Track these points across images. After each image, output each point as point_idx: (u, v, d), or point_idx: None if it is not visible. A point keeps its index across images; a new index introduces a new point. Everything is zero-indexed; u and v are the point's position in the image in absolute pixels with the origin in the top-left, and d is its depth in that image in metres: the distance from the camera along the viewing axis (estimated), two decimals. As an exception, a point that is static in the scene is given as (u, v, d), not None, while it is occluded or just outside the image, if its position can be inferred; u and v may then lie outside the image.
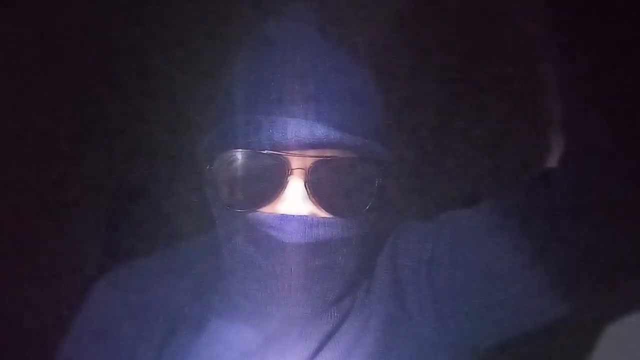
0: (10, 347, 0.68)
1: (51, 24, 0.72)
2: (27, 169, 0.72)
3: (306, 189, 0.56)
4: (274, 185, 0.57)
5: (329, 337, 0.60)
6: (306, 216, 0.56)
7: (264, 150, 0.56)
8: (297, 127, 0.55)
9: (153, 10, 0.74)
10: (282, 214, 0.56)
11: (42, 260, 0.73)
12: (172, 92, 0.73)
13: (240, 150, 0.57)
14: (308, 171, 0.56)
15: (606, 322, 0.68)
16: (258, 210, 0.57)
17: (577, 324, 0.64)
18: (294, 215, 0.56)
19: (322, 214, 0.57)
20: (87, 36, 0.76)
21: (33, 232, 0.73)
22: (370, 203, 0.59)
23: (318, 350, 0.60)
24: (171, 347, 0.62)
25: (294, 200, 0.56)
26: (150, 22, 0.75)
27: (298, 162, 0.56)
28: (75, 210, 0.77)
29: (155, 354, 0.61)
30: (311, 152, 0.56)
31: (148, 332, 0.62)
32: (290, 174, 0.56)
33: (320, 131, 0.55)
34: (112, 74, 0.78)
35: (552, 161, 0.54)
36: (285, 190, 0.56)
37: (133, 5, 0.74)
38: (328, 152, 0.56)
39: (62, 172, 0.75)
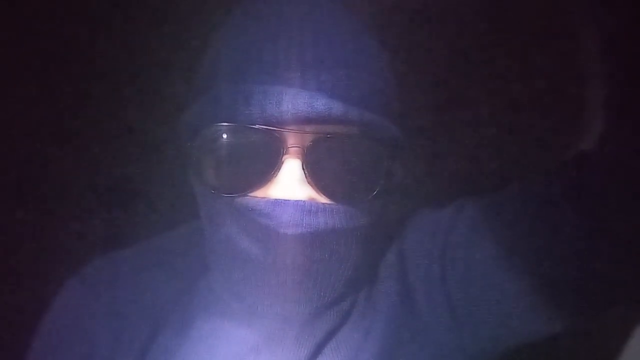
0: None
1: (45, 22, 0.70)
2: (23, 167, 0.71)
3: (303, 170, 0.50)
4: (267, 166, 0.50)
5: (328, 341, 0.54)
6: (303, 201, 0.50)
7: (254, 124, 0.49)
8: (293, 98, 0.48)
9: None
10: (276, 199, 0.50)
11: (37, 258, 0.72)
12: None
13: (227, 124, 0.50)
14: (306, 150, 0.50)
15: (625, 328, 0.64)
16: (248, 194, 0.51)
17: (598, 329, 0.61)
18: (289, 200, 0.50)
19: (322, 199, 0.51)
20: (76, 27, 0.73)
21: (28, 229, 0.72)
22: (377, 188, 0.52)
23: (315, 355, 0.54)
24: (153, 350, 0.56)
25: (290, 183, 0.50)
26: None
27: (295, 139, 0.50)
28: (71, 207, 0.75)
29: (136, 356, 0.56)
30: (310, 128, 0.50)
31: (127, 335, 0.57)
32: (286, 153, 0.50)
33: (320, 103, 0.48)
34: (97, 56, 0.74)
35: (586, 144, 0.49)
36: (280, 171, 0.50)
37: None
38: (329, 128, 0.50)
39: (55, 169, 0.74)
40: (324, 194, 0.51)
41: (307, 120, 0.49)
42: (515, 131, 0.72)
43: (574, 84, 0.67)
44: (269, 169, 0.50)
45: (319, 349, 0.54)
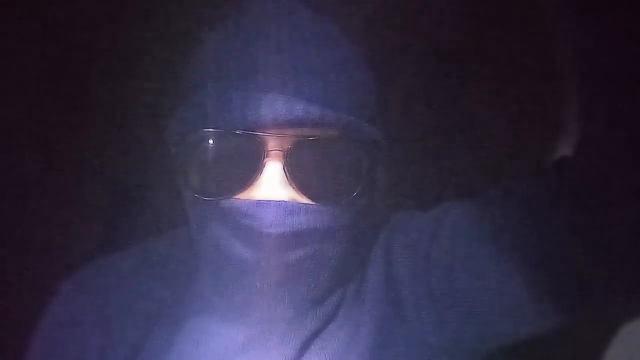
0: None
1: (44, 25, 0.71)
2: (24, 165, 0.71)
3: (285, 172, 0.51)
4: (249, 169, 0.51)
5: (314, 340, 0.55)
6: (285, 202, 0.51)
7: (236, 129, 0.50)
8: (273, 103, 0.49)
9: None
10: (258, 200, 0.51)
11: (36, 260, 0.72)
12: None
13: (209, 130, 0.51)
14: (287, 153, 0.51)
15: (610, 330, 0.64)
16: (231, 197, 0.52)
17: (583, 329, 0.60)
18: (271, 201, 0.50)
19: (303, 200, 0.52)
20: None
21: (28, 231, 0.72)
22: (358, 188, 0.53)
23: (301, 354, 0.54)
24: (144, 351, 0.57)
25: (271, 185, 0.51)
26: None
27: (275, 143, 0.51)
28: (70, 207, 0.76)
29: (126, 358, 0.56)
30: (290, 132, 0.51)
31: (119, 336, 0.58)
32: (267, 156, 0.51)
33: (299, 107, 0.49)
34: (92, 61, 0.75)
35: (567, 150, 0.49)
36: (262, 174, 0.51)
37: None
38: (309, 131, 0.51)
39: (55, 172, 0.74)
40: (305, 195, 0.51)
41: (286, 124, 0.50)
42: (502, 135, 0.72)
43: (556, 89, 0.68)
44: (251, 172, 0.51)
45: (305, 348, 0.54)
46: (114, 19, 0.72)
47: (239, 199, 0.51)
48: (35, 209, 0.73)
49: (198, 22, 0.56)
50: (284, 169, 0.51)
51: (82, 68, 0.74)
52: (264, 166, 0.51)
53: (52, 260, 0.71)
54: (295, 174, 0.51)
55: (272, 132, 0.50)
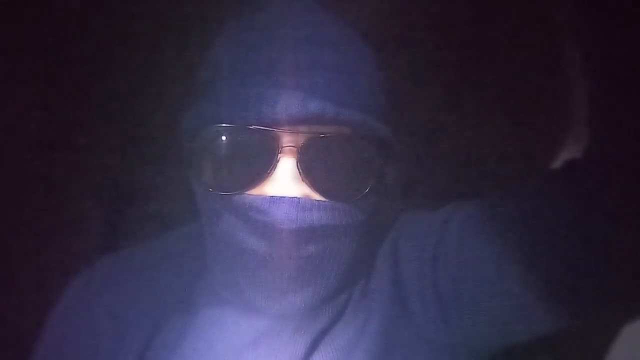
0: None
1: (48, 25, 0.71)
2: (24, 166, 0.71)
3: (298, 169, 0.51)
4: (263, 165, 0.51)
5: (323, 336, 0.55)
6: (298, 198, 0.51)
7: (251, 125, 0.51)
8: (288, 100, 0.50)
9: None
10: (271, 196, 0.51)
11: (38, 259, 0.72)
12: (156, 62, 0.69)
13: (224, 125, 0.52)
14: (300, 149, 0.51)
15: (614, 330, 0.63)
16: (244, 192, 0.52)
17: (591, 330, 0.60)
18: (284, 197, 0.51)
19: (316, 197, 0.52)
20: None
21: (30, 231, 0.72)
22: (369, 186, 0.53)
23: (311, 350, 0.55)
24: (154, 346, 0.57)
25: (285, 181, 0.51)
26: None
27: (289, 139, 0.51)
28: (72, 208, 0.76)
29: (137, 354, 0.57)
30: (304, 128, 0.51)
31: (129, 332, 0.58)
32: (281, 152, 0.51)
33: (314, 105, 0.50)
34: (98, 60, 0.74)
35: (576, 151, 0.50)
36: (275, 170, 0.51)
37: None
38: (323, 129, 0.51)
39: (57, 170, 0.74)
40: (317, 192, 0.52)
41: (301, 120, 0.50)
42: (510, 136, 0.72)
43: (565, 91, 0.68)
44: (265, 167, 0.51)
45: (315, 343, 0.55)
46: (123, 15, 0.72)
47: (252, 194, 0.52)
48: (38, 208, 0.74)
49: (214, 18, 0.56)
50: (297, 165, 0.51)
51: (84, 68, 0.74)
52: (277, 162, 0.51)
53: (54, 260, 0.71)
54: (309, 171, 0.51)
55: (286, 128, 0.51)
